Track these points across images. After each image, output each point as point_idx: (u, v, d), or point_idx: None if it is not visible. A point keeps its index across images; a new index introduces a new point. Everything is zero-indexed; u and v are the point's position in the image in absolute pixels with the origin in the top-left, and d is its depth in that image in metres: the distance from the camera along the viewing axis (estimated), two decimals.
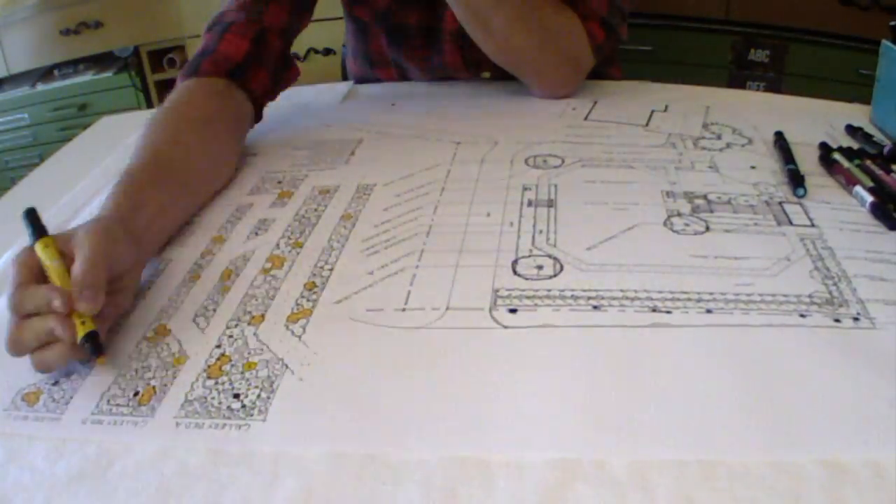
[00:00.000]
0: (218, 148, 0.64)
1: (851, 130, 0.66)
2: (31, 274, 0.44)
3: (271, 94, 0.74)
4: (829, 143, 0.63)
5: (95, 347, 0.42)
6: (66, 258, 0.44)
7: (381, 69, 0.90)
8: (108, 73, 2.00)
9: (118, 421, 0.40)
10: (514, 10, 0.71)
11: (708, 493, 0.33)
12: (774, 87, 1.48)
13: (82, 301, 0.42)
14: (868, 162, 0.59)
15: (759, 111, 0.72)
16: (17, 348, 0.42)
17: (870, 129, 0.66)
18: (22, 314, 0.42)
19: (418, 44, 0.84)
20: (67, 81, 2.00)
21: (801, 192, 0.56)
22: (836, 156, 0.61)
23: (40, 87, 2.00)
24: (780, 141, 0.64)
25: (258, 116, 0.73)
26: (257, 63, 0.70)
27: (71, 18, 1.93)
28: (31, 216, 0.48)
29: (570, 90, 0.78)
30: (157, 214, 0.53)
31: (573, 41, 0.75)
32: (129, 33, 1.99)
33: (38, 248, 0.45)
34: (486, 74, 0.86)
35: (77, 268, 0.43)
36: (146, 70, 2.06)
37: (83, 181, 0.68)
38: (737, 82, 1.51)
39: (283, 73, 0.74)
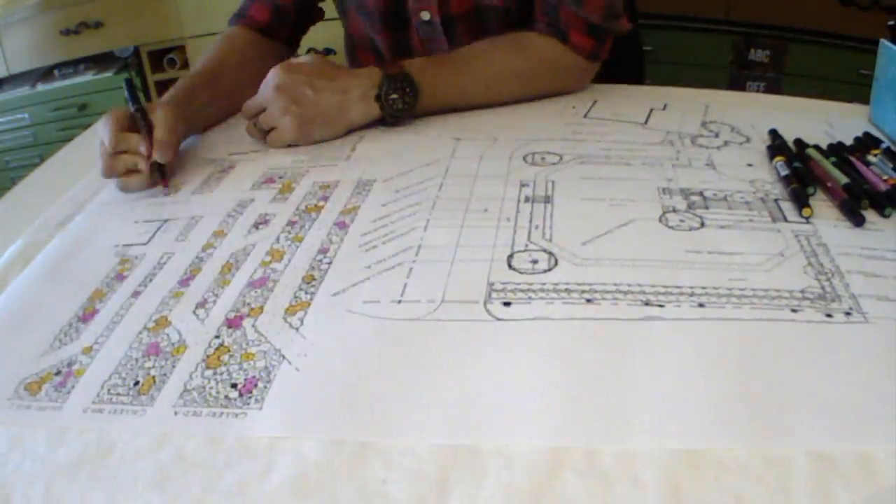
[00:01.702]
0: (250, 73, 0.77)
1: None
2: (123, 124, 0.65)
3: (297, 40, 0.91)
4: (831, 143, 0.64)
5: (163, 174, 0.65)
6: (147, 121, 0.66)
7: (361, 51, 0.92)
8: (109, 73, 2.00)
9: (118, 410, 0.40)
10: (483, 86, 0.76)
11: (695, 483, 0.33)
12: (774, 87, 1.48)
13: (162, 152, 0.64)
14: (853, 158, 0.60)
15: (758, 110, 0.73)
16: (110, 171, 0.64)
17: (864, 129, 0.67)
18: (116, 150, 0.64)
19: (383, 27, 0.85)
20: (67, 81, 2.00)
21: (807, 212, 0.53)
22: (810, 151, 0.61)
23: (40, 87, 2.01)
24: (778, 140, 0.64)
25: (291, 49, 0.90)
26: (279, 28, 0.87)
27: (71, 18, 1.94)
28: (130, 86, 0.71)
29: (580, 89, 0.81)
30: (200, 108, 0.75)
31: (557, 66, 0.78)
32: (129, 33, 1.99)
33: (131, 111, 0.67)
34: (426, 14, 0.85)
35: (158, 132, 0.65)
36: (146, 70, 2.06)
37: (83, 181, 0.69)
38: (737, 82, 1.51)
39: (304, 26, 0.90)
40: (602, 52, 0.78)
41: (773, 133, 0.66)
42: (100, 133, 0.65)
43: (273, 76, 0.70)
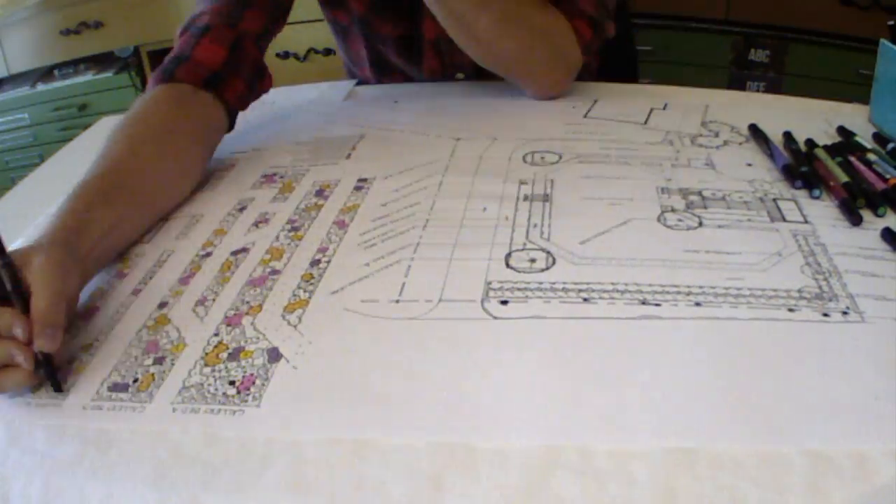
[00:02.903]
0: (179, 160, 0.62)
1: (843, 132, 0.66)
2: None
3: (245, 104, 0.71)
4: (830, 143, 0.64)
5: (52, 369, 0.42)
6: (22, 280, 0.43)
7: (361, 69, 0.92)
8: (109, 73, 2.01)
9: (117, 406, 0.41)
10: (499, 13, 0.69)
11: (690, 482, 0.33)
12: (774, 87, 1.48)
13: (43, 339, 0.41)
14: (853, 158, 0.60)
15: (759, 110, 0.73)
16: None
17: (864, 129, 0.67)
18: None
19: (395, 52, 0.85)
20: (67, 81, 2.01)
21: (817, 192, 0.55)
22: (818, 151, 0.61)
23: (40, 87, 2.01)
24: (757, 134, 0.65)
25: (231, 125, 0.70)
26: (234, 72, 0.68)
27: (71, 18, 1.94)
28: None
29: (561, 90, 0.77)
30: (103, 236, 0.52)
31: (561, 41, 0.73)
32: (129, 33, 2.00)
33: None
34: (461, 76, 0.87)
35: (38, 305, 0.42)
36: (146, 70, 2.06)
37: None
38: (737, 82, 1.51)
39: (258, 82, 0.72)
40: (593, 46, 0.76)
41: (753, 127, 0.67)
42: None
43: None
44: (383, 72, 0.90)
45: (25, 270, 0.44)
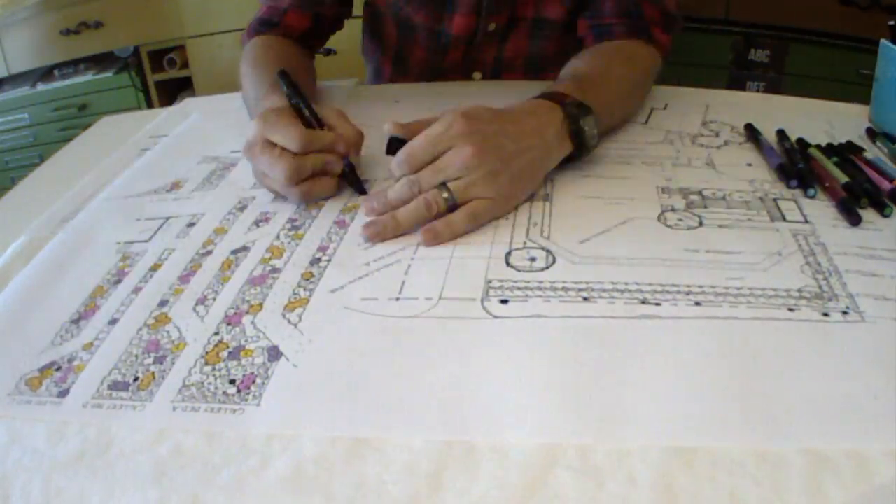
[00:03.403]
0: (307, 71, 0.79)
1: (871, 133, 0.66)
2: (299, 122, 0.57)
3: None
4: (832, 143, 0.64)
5: (356, 176, 0.59)
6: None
7: (384, 61, 0.93)
8: (109, 73, 2.01)
9: (117, 405, 0.41)
10: (630, 104, 0.71)
11: (688, 480, 0.33)
12: (774, 87, 1.48)
13: (355, 153, 0.59)
14: (856, 158, 0.60)
15: (759, 110, 0.73)
16: (297, 175, 0.55)
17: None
18: (307, 150, 0.55)
19: (423, 43, 0.87)
20: (67, 81, 2.01)
21: (812, 192, 0.56)
22: (813, 151, 0.61)
23: (40, 87, 2.01)
24: (752, 133, 0.65)
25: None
26: (317, 37, 0.85)
27: (71, 18, 1.94)
28: (288, 78, 0.60)
29: None
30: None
31: (654, 74, 0.75)
32: (129, 33, 2.00)
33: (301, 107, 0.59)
34: (478, 76, 0.89)
35: (348, 130, 0.58)
36: (146, 70, 2.07)
37: (83, 181, 0.69)
38: (737, 82, 1.51)
39: (332, 34, 0.87)
40: (671, 50, 0.76)
41: (749, 127, 0.67)
42: (268, 132, 0.55)
43: (458, 130, 0.53)
44: (402, 66, 0.91)
45: (319, 112, 0.59)
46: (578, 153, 0.59)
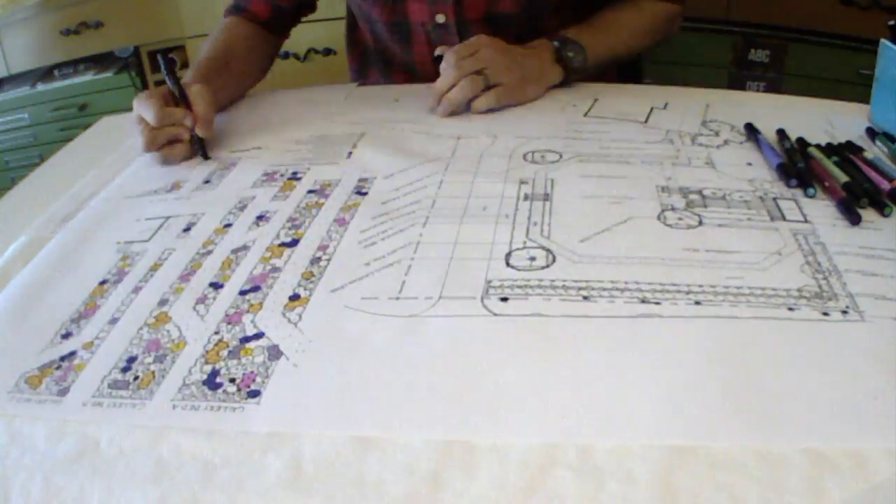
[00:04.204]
0: (255, 54, 0.89)
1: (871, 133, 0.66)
2: (164, 102, 0.70)
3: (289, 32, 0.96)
4: (832, 143, 0.64)
5: (203, 147, 0.71)
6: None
7: (370, 69, 0.96)
8: (109, 73, 2.01)
9: (117, 404, 0.41)
10: (633, 42, 0.86)
11: (688, 479, 0.33)
12: (774, 87, 1.48)
13: (204, 127, 0.70)
14: (856, 158, 0.60)
15: (759, 110, 0.73)
16: (153, 143, 0.69)
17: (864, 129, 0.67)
18: (161, 124, 0.68)
19: (389, 37, 0.88)
20: (67, 81, 2.01)
21: (811, 191, 0.56)
22: (812, 150, 0.61)
23: (40, 87, 2.01)
24: (752, 133, 0.65)
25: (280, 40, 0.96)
26: (278, 26, 0.93)
27: (71, 18, 1.94)
28: (169, 63, 0.76)
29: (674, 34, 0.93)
30: (216, 91, 0.76)
31: (667, 21, 0.88)
32: (129, 33, 2.00)
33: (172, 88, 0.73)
34: None
35: (200, 107, 0.70)
36: (146, 70, 2.06)
37: (83, 181, 0.69)
38: (737, 82, 1.51)
39: (297, 22, 0.95)
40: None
41: (749, 127, 0.67)
42: (139, 110, 0.69)
43: (485, 41, 0.74)
44: (389, 69, 0.92)
45: (187, 90, 0.71)
46: (567, 74, 0.79)
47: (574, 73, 0.79)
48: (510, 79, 0.74)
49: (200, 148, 0.71)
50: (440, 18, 0.84)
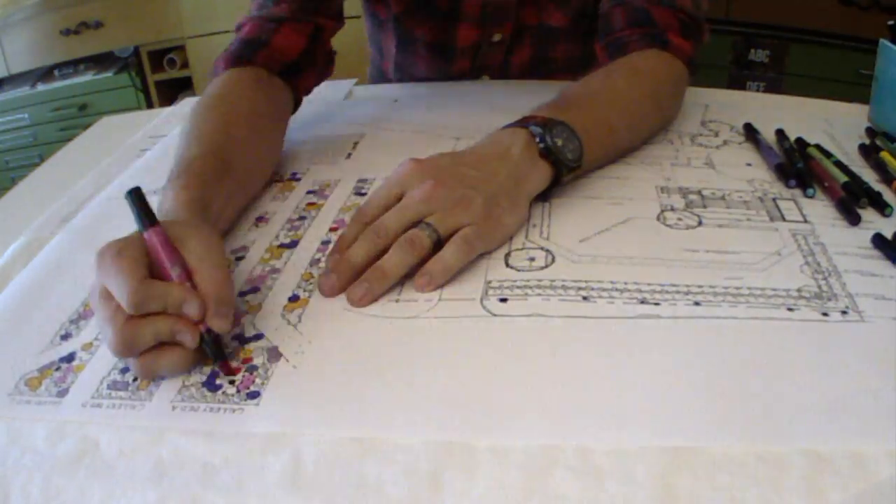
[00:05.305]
0: (266, 142, 0.63)
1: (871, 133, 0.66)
2: (145, 267, 0.40)
3: (310, 92, 0.73)
4: (830, 142, 0.64)
5: (221, 350, 0.41)
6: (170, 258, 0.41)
7: (385, 62, 0.94)
8: (109, 73, 2.01)
9: (117, 405, 0.41)
10: (640, 119, 0.64)
11: (688, 481, 0.33)
12: (774, 87, 1.49)
13: (219, 319, 0.40)
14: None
15: (758, 110, 0.73)
16: (129, 348, 0.39)
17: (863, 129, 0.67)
18: (143, 311, 0.39)
19: (426, 54, 0.86)
20: (67, 81, 2.01)
21: (811, 191, 0.56)
22: (812, 150, 0.61)
23: (40, 87, 2.02)
24: (751, 133, 0.65)
25: (296, 109, 0.72)
26: (310, 63, 0.70)
27: (71, 18, 1.95)
28: (138, 198, 0.42)
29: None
30: (221, 210, 0.52)
31: (676, 83, 0.68)
32: (129, 33, 2.00)
33: (149, 237, 0.41)
34: (486, 77, 0.89)
35: (210, 282, 0.40)
36: (146, 70, 2.07)
37: (83, 181, 0.69)
38: (737, 82, 1.51)
39: (326, 70, 0.74)
40: (695, 57, 0.68)
41: (748, 127, 0.67)
42: (103, 279, 0.40)
43: (413, 169, 0.50)
44: (406, 69, 0.91)
45: (181, 246, 0.41)
46: (558, 171, 0.54)
47: (570, 170, 0.55)
48: (471, 216, 0.48)
49: (215, 350, 0.41)
50: (497, 38, 0.82)
